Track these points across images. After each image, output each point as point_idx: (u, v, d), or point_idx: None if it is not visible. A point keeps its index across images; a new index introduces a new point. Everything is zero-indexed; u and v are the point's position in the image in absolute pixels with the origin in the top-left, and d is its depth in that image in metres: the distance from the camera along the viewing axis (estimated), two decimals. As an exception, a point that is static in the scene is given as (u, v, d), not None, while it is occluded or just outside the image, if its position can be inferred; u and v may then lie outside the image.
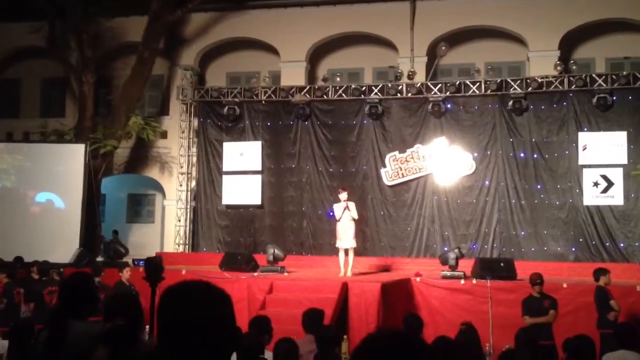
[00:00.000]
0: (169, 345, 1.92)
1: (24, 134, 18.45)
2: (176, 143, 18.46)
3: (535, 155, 15.69)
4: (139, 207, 20.57)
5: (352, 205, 12.58)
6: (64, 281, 4.20)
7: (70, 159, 16.63)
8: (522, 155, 15.80)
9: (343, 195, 12.64)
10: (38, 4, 17.23)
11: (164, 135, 18.94)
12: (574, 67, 15.68)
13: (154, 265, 4.76)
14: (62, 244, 15.40)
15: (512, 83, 15.76)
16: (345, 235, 12.48)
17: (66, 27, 17.98)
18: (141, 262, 12.06)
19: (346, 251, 12.59)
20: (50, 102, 20.55)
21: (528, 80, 15.74)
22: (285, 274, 12.68)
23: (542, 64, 16.27)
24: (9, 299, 10.65)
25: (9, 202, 16.73)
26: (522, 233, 15.59)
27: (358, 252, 13.57)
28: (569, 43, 17.03)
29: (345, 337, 8.58)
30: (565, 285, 11.08)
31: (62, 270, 11.99)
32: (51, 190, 16.76)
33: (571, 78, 15.45)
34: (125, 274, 10.92)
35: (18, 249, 14.12)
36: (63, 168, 16.73)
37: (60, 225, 16.23)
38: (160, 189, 19.37)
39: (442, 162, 16.04)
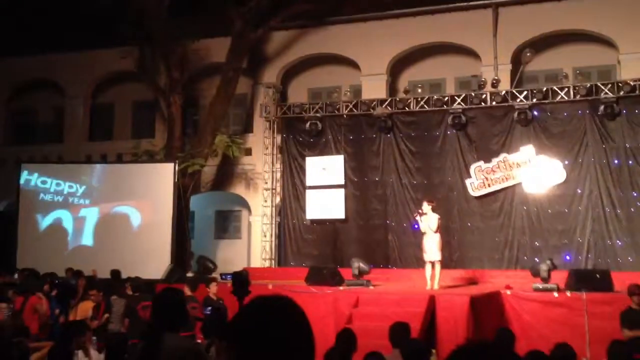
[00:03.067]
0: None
1: (117, 155, 19.24)
2: (260, 159, 18.78)
3: (630, 162, 14.99)
4: (226, 223, 21.02)
5: (433, 217, 12.36)
6: (156, 297, 4.36)
7: (161, 178, 17.22)
8: (616, 161, 15.13)
9: (425, 207, 12.46)
10: (127, 29, 18.00)
11: (248, 152, 19.32)
12: (669, 67, 14.92)
13: (241, 280, 4.83)
14: (153, 260, 15.90)
15: (603, 87, 15.15)
16: (430, 248, 12.29)
17: (154, 51, 18.72)
18: (228, 277, 12.27)
19: (432, 264, 12.39)
20: (141, 124, 21.39)
21: (620, 84, 15.09)
22: (371, 287, 12.61)
23: (634, 66, 15.58)
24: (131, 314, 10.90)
25: (103, 221, 17.48)
26: (619, 243, 14.88)
27: (445, 265, 13.32)
28: (663, 43, 16.22)
29: (433, 351, 8.41)
30: (667, 297, 10.45)
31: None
32: (142, 209, 17.37)
33: (666, 79, 14.71)
34: (213, 289, 11.12)
35: (112, 265, 14.67)
36: (154, 187, 17.32)
37: (152, 242, 16.77)
38: (246, 205, 19.72)
39: (531, 171, 15.57)
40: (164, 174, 17.20)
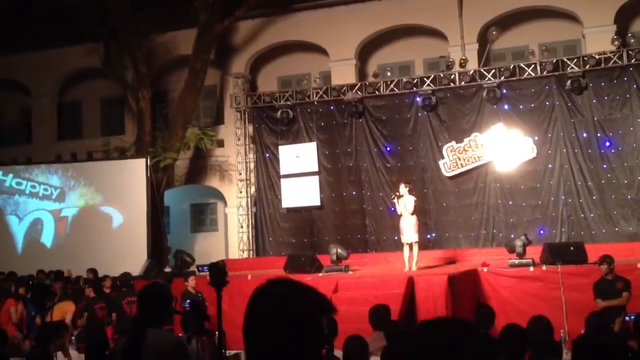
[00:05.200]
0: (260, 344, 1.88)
1: (88, 154, 19.05)
2: (233, 150, 18.70)
3: (598, 134, 15.21)
4: (202, 216, 20.94)
5: (410, 199, 12.41)
6: (142, 291, 4.37)
7: (133, 174, 17.08)
8: (584, 135, 15.33)
9: (401, 189, 12.51)
10: (91, 26, 17.74)
11: (220, 144, 19.23)
12: (632, 40, 15.13)
13: (218, 270, 4.81)
14: (130, 257, 15.81)
15: (569, 62, 15.31)
16: (408, 230, 12.36)
17: (119, 46, 18.48)
18: (205, 268, 12.27)
19: (410, 246, 12.47)
20: (111, 121, 21.16)
21: (585, 58, 15.26)
22: (350, 272, 12.66)
23: (599, 40, 15.76)
24: (90, 314, 10.96)
25: (78, 219, 17.33)
26: (591, 215, 15.12)
27: (422, 246, 13.43)
28: (625, 16, 16.43)
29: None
30: (639, 266, 10.67)
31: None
32: (116, 206, 17.25)
33: (630, 52, 14.91)
34: (191, 282, 11.09)
35: (88, 264, 14.58)
36: (127, 183, 17.18)
37: (127, 239, 16.67)
38: (221, 197, 19.66)
39: (502, 148, 15.72)
40: (137, 170, 17.07)
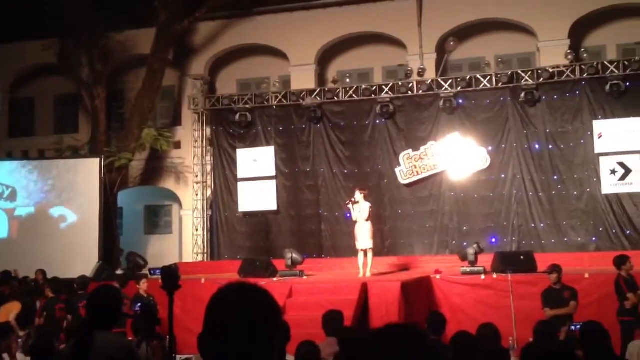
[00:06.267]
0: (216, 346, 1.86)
1: (40, 152, 18.62)
2: (190, 153, 18.53)
3: (550, 146, 15.56)
4: (157, 218, 20.68)
5: (365, 205, 12.48)
6: (91, 293, 4.30)
7: (86, 174, 16.78)
8: (537, 146, 15.67)
9: (356, 196, 12.58)
10: (48, 21, 17.39)
11: (177, 145, 19.03)
12: (585, 55, 15.54)
13: (170, 274, 4.76)
14: (81, 259, 15.51)
15: (523, 75, 15.64)
16: (362, 236, 12.43)
17: (76, 43, 18.14)
18: (157, 272, 12.12)
19: (365, 252, 12.54)
20: (64, 119, 20.74)
21: (539, 71, 15.61)
22: (305, 277, 12.67)
23: (553, 53, 16.13)
24: (49, 313, 10.77)
25: (27, 219, 16.92)
26: (541, 225, 15.45)
27: (378, 252, 13.53)
28: (579, 31, 16.87)
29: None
30: (587, 276, 10.96)
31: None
32: (68, 206, 16.92)
33: (583, 66, 15.32)
34: (143, 286, 10.94)
35: (38, 265, 14.24)
36: (79, 183, 16.85)
37: (79, 240, 16.35)
38: (177, 200, 19.45)
39: (457, 157, 15.95)
40: (90, 170, 16.77)
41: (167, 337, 5.07)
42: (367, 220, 12.44)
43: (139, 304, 9.32)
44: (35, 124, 21.06)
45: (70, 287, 11.72)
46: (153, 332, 4.98)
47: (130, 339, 6.73)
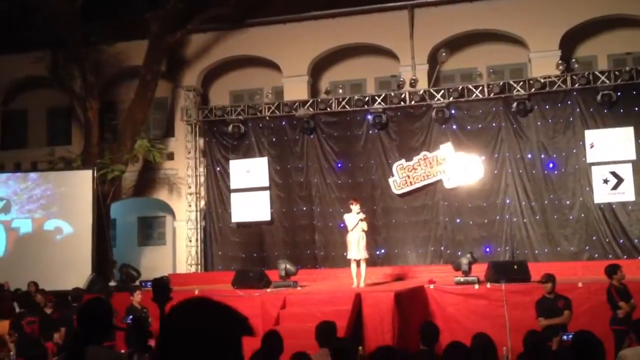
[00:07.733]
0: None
1: (32, 164, 18.55)
2: (183, 164, 18.51)
3: (542, 156, 15.62)
4: (150, 229, 20.60)
5: (359, 215, 12.47)
6: (82, 306, 4.25)
7: (79, 186, 16.72)
8: (529, 156, 15.73)
9: (355, 208, 12.56)
10: (39, 34, 17.38)
11: (170, 156, 19.02)
12: (576, 65, 15.66)
13: (161, 286, 4.74)
14: (74, 270, 15.43)
15: (515, 85, 15.73)
16: (357, 247, 12.41)
17: (68, 55, 18.14)
18: (149, 284, 12.05)
19: (358, 262, 12.52)
20: (57, 131, 20.69)
21: (531, 81, 15.70)
22: (298, 288, 12.64)
23: (544, 64, 16.23)
24: (18, 331, 10.51)
25: (24, 231, 16.84)
26: (534, 234, 15.49)
27: (371, 262, 13.53)
28: (570, 42, 16.99)
29: (360, 348, 8.51)
30: (580, 285, 10.97)
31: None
32: (61, 218, 16.85)
33: (574, 77, 15.42)
34: (137, 297, 10.88)
35: (31, 277, 14.15)
36: (72, 195, 16.79)
37: (72, 252, 16.27)
38: (170, 211, 19.40)
39: (450, 167, 15.99)
40: (83, 182, 16.72)
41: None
42: (361, 230, 12.39)
43: (131, 316, 9.25)
44: (27, 136, 21.00)
45: (64, 300, 11.66)
46: (145, 344, 4.94)
47: (122, 351, 6.70)
